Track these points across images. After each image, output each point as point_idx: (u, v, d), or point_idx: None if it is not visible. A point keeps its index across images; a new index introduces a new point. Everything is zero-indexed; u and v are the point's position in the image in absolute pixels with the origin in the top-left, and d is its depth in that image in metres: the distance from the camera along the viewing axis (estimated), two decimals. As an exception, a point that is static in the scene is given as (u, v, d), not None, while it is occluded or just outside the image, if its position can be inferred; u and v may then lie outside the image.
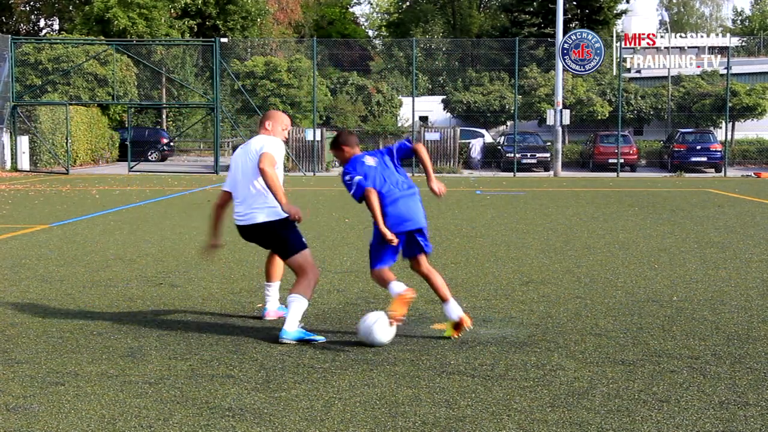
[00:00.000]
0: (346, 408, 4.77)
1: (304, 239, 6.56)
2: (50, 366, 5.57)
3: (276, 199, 6.30)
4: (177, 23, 46.36)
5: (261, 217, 6.44)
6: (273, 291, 7.05)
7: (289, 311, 6.22)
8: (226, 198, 6.74)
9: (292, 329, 6.18)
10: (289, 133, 7.17)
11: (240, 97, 38.65)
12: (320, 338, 6.28)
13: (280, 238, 6.48)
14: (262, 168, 6.28)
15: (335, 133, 36.65)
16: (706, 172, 34.54)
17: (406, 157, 6.63)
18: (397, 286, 6.18)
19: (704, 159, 34.29)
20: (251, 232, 6.54)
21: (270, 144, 6.45)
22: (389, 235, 6.10)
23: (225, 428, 4.44)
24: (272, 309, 7.04)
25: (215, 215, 6.84)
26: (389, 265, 6.33)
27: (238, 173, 6.57)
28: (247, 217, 6.48)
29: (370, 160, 6.42)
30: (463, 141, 36.21)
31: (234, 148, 36.99)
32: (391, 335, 6.13)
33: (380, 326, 6.07)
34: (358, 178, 6.27)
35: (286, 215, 6.34)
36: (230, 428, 4.44)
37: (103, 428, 4.44)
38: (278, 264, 6.97)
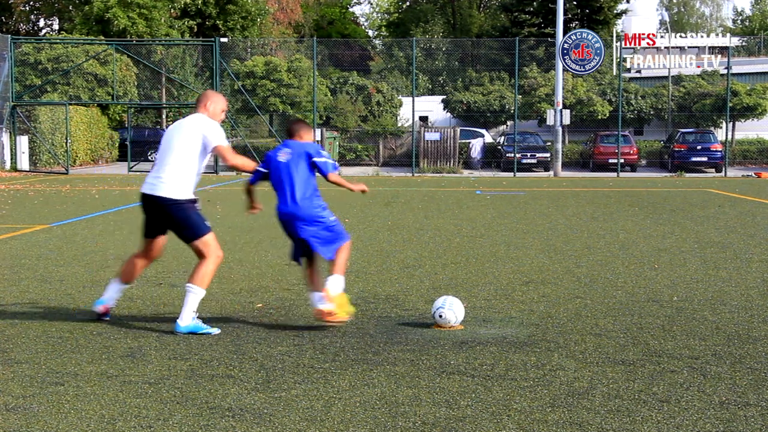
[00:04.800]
0: (346, 408, 4.76)
1: (207, 222, 6.59)
2: (50, 366, 5.57)
3: (246, 171, 6.69)
4: (177, 23, 46.34)
5: (166, 191, 6.43)
6: (120, 292, 7.01)
7: (186, 303, 6.38)
8: None
9: (186, 323, 6.36)
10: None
11: (240, 97, 38.62)
12: (214, 330, 6.41)
13: (182, 219, 6.50)
14: (233, 165, 6.60)
15: (335, 133, 36.72)
16: (706, 172, 34.54)
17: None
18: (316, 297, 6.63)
19: (705, 159, 34.29)
20: (154, 205, 6.53)
21: (216, 132, 6.52)
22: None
23: (225, 428, 4.44)
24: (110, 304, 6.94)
25: None
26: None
27: (168, 146, 6.55)
28: (155, 186, 6.48)
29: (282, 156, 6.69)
30: (463, 141, 36.20)
31: (234, 148, 36.92)
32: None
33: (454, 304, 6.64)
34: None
35: (193, 197, 6.50)
36: (230, 428, 4.44)
37: (103, 428, 4.44)
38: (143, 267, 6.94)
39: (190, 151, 6.48)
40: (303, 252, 6.76)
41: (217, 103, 6.73)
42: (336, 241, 6.68)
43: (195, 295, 6.39)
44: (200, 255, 6.55)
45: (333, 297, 6.54)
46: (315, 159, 6.68)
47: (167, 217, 6.55)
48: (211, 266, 6.52)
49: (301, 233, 6.60)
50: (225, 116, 6.88)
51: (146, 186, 6.57)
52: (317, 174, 6.77)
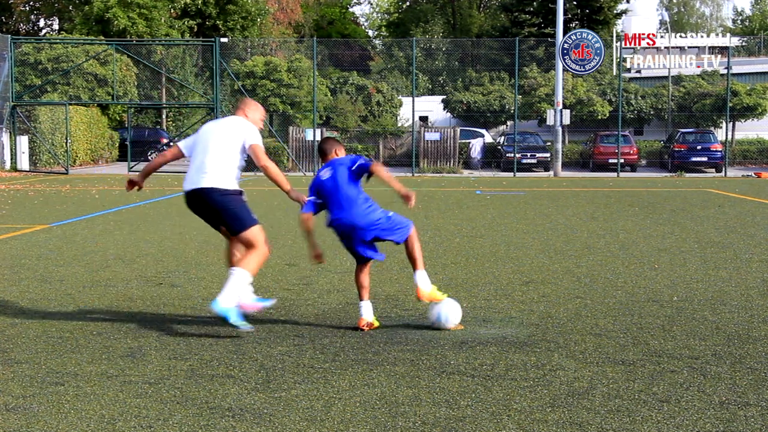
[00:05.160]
0: (346, 408, 4.76)
1: (255, 216, 6.55)
2: (50, 366, 5.57)
3: (280, 187, 6.51)
4: (177, 23, 46.35)
5: (213, 182, 6.42)
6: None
7: (229, 283, 6.27)
8: (177, 154, 6.87)
9: (226, 304, 6.21)
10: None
11: (240, 97, 38.61)
12: (247, 327, 6.35)
13: (230, 210, 6.45)
14: (263, 165, 6.44)
15: (335, 133, 36.72)
16: (706, 172, 34.54)
17: (366, 175, 6.68)
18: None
19: (704, 159, 34.31)
20: (200, 199, 6.50)
21: (254, 134, 6.57)
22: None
23: (225, 428, 4.44)
24: (247, 302, 6.97)
25: (157, 162, 7.10)
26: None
27: (209, 144, 6.55)
28: (202, 179, 6.46)
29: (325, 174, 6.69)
30: (463, 141, 36.21)
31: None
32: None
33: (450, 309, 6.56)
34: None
35: (240, 189, 6.48)
36: (230, 428, 4.44)
37: (103, 428, 4.44)
38: (241, 249, 6.87)
39: (231, 147, 6.50)
40: (361, 257, 6.69)
41: (255, 111, 6.80)
42: (401, 227, 6.61)
43: (236, 276, 6.26)
44: (248, 247, 6.49)
45: (427, 293, 6.53)
46: (352, 167, 6.61)
47: (216, 209, 6.49)
48: (257, 256, 6.42)
49: (366, 237, 6.55)
50: (262, 124, 6.90)
51: (189, 183, 6.55)
52: (363, 180, 6.69)
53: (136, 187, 7.08)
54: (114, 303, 7.63)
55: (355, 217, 6.52)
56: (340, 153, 6.84)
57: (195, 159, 6.61)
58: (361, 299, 6.66)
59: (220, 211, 6.51)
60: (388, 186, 6.56)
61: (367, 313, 6.58)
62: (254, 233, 6.46)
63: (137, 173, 7.16)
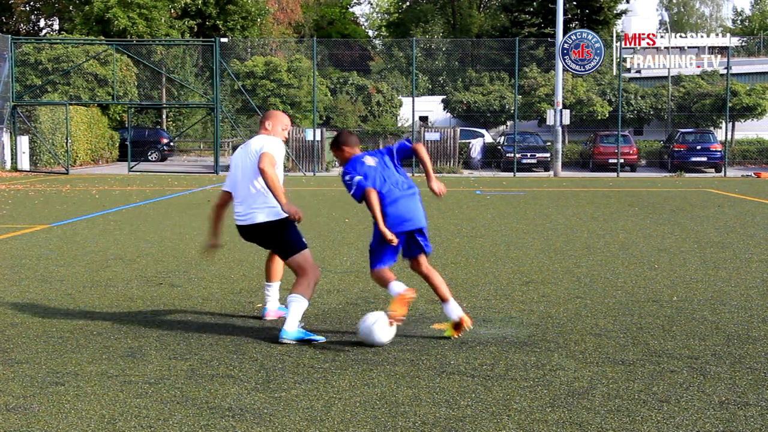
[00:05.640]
0: (346, 408, 4.77)
1: (303, 239, 6.56)
2: (50, 366, 5.57)
3: (276, 198, 6.31)
4: (177, 23, 46.36)
5: (261, 217, 6.44)
6: (273, 291, 7.05)
7: (290, 311, 6.22)
8: (226, 198, 6.75)
9: (292, 329, 6.18)
10: (289, 133, 7.22)
11: (240, 97, 38.65)
12: (320, 338, 6.28)
13: (279, 238, 6.48)
14: (261, 168, 6.29)
15: (335, 133, 36.78)
16: (706, 172, 34.54)
17: (407, 157, 6.62)
18: (397, 286, 6.17)
19: (704, 159, 34.30)
20: (251, 232, 6.55)
21: (270, 144, 6.46)
22: (389, 235, 6.10)
23: (225, 428, 4.44)
24: (272, 309, 7.04)
25: (215, 215, 6.85)
26: (389, 265, 6.32)
27: (238, 173, 6.58)
28: (247, 217, 6.49)
29: (370, 160, 6.41)
30: (463, 141, 36.21)
31: (234, 148, 36.99)
32: (391, 335, 6.14)
33: (380, 326, 6.07)
34: (358, 178, 6.27)
35: (286, 215, 6.36)
36: (230, 428, 4.44)
37: (103, 428, 4.44)
38: (278, 264, 6.97)
39: (254, 173, 6.46)
40: (397, 252, 6.35)
41: (276, 122, 6.72)
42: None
43: (297, 303, 6.26)
44: (298, 271, 6.48)
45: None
46: (393, 148, 6.51)
47: (266, 239, 6.55)
48: (309, 280, 6.41)
49: (422, 222, 6.31)
50: (287, 133, 6.81)
51: (239, 219, 6.57)
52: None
53: (216, 248, 6.99)
54: (114, 303, 7.63)
55: (410, 198, 6.33)
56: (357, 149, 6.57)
57: (234, 193, 6.64)
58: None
59: (267, 242, 6.59)
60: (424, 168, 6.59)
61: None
62: (302, 258, 6.46)
63: (211, 237, 6.92)
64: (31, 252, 10.74)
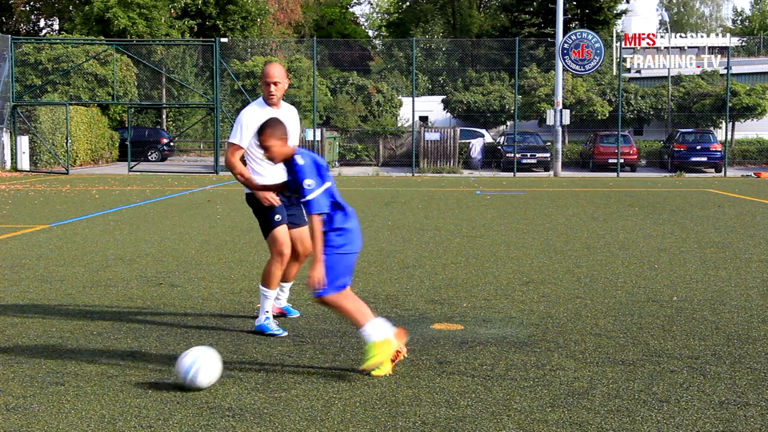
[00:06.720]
0: (346, 408, 4.76)
1: (277, 217, 6.43)
2: (50, 366, 5.57)
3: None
4: (177, 23, 46.36)
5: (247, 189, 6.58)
6: (283, 292, 7.02)
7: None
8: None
9: (258, 321, 6.46)
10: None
11: (240, 97, 38.65)
12: (281, 332, 6.39)
13: (256, 213, 6.59)
14: (226, 160, 6.55)
15: (335, 133, 36.68)
16: (706, 172, 34.55)
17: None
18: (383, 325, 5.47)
19: (704, 159, 34.31)
20: (249, 201, 6.65)
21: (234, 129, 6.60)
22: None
23: (225, 428, 4.44)
24: (279, 306, 7.04)
25: (242, 168, 6.46)
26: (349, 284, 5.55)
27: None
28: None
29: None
30: (463, 141, 36.22)
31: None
32: (215, 377, 5.13)
33: (205, 367, 5.04)
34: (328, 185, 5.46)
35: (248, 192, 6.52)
36: (230, 428, 4.44)
37: (103, 428, 4.44)
38: (292, 266, 6.86)
39: (251, 145, 6.57)
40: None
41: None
42: None
43: (262, 297, 6.44)
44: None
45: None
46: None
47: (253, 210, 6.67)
48: (269, 266, 6.44)
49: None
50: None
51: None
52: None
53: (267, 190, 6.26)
54: (114, 303, 7.63)
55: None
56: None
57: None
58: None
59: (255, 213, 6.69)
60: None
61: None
62: (269, 240, 6.50)
63: (256, 185, 6.18)
64: (31, 252, 10.74)
